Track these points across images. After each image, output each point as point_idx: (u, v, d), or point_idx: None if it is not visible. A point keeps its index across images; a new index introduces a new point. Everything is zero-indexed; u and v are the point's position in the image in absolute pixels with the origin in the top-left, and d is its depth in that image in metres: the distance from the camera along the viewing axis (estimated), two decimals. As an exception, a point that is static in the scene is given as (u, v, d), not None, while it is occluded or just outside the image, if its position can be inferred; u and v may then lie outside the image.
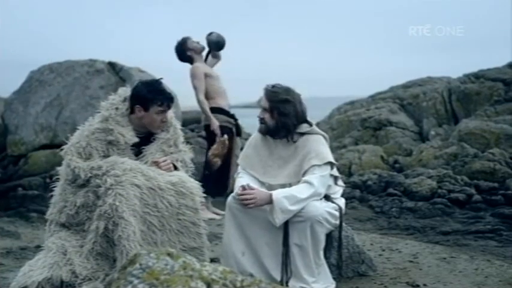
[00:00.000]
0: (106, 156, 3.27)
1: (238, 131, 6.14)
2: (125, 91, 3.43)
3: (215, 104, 5.95)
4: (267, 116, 3.51)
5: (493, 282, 3.57)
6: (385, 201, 6.50)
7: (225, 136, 5.74)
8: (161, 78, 3.51)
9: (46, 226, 3.40)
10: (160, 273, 1.63)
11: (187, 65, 6.09)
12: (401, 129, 9.77)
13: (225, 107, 6.00)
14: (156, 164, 3.29)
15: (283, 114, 3.47)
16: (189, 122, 9.58)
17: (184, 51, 6.02)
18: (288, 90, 3.51)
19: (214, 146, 5.70)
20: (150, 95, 3.33)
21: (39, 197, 7.20)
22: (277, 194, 3.30)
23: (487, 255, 4.28)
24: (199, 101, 5.92)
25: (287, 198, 3.28)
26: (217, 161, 5.66)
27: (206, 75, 5.93)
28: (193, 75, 5.93)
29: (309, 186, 3.35)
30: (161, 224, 3.15)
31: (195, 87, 5.93)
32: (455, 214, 5.92)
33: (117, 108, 3.36)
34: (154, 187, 3.14)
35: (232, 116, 6.04)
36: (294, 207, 3.29)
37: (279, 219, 3.30)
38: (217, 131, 5.82)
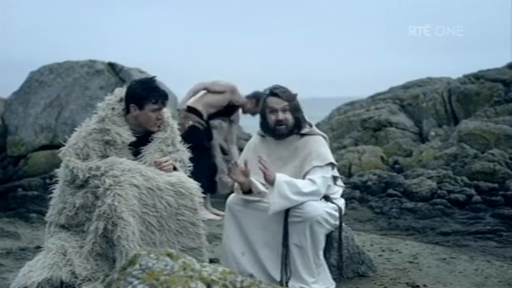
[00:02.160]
0: (104, 156, 3.27)
1: (210, 135, 6.23)
2: (121, 91, 3.44)
3: (193, 104, 6.07)
4: (287, 116, 3.51)
5: (492, 283, 3.57)
6: (385, 201, 6.50)
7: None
8: (154, 77, 3.51)
9: (46, 228, 3.40)
10: (160, 274, 1.63)
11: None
12: (401, 129, 9.76)
13: (202, 111, 6.06)
14: (156, 164, 3.29)
15: (299, 110, 3.55)
16: (188, 122, 9.57)
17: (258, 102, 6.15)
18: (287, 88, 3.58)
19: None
20: (144, 93, 3.34)
21: (39, 197, 7.20)
22: (280, 177, 3.30)
23: (487, 256, 4.28)
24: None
25: (288, 184, 3.28)
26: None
27: (207, 90, 6.10)
28: (194, 87, 6.11)
29: (312, 184, 3.36)
30: (160, 224, 3.15)
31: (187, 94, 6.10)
32: (455, 215, 5.92)
33: (113, 109, 3.36)
34: (153, 187, 3.15)
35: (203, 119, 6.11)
36: (293, 197, 3.28)
37: (275, 203, 3.27)
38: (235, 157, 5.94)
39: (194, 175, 5.77)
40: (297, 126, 3.55)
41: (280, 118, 3.50)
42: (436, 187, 6.56)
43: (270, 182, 3.31)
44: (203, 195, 3.38)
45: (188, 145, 5.64)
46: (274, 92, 3.52)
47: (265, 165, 3.30)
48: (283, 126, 3.52)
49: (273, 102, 3.51)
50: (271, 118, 3.52)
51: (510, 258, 4.24)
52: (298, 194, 3.30)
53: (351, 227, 4.12)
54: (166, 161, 3.32)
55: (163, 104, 3.39)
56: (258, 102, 5.90)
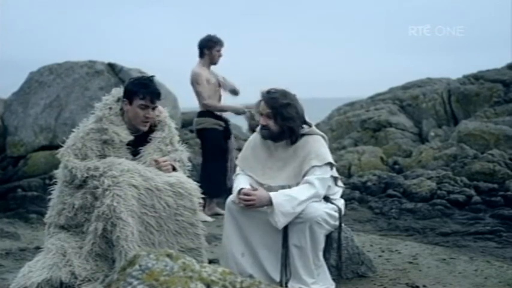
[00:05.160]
0: (102, 156, 3.27)
1: (228, 133, 6.19)
2: (118, 91, 3.44)
3: (203, 108, 6.05)
4: (270, 122, 3.50)
5: (492, 284, 3.57)
6: (385, 202, 6.50)
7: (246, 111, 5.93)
8: (153, 76, 3.51)
9: (45, 229, 3.40)
10: (159, 274, 1.63)
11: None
12: (401, 130, 9.77)
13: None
14: (156, 162, 3.29)
15: (287, 118, 3.47)
16: (188, 123, 9.58)
17: (204, 48, 6.06)
18: (285, 94, 3.52)
19: (256, 118, 5.96)
20: (135, 88, 3.34)
21: (39, 198, 7.19)
22: (276, 198, 3.30)
23: (487, 256, 4.28)
24: (206, 105, 6.03)
25: (288, 201, 3.29)
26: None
27: (206, 81, 6.00)
28: (195, 82, 5.99)
29: (310, 187, 3.36)
30: (159, 225, 3.15)
31: (198, 93, 6.00)
32: (455, 215, 5.92)
33: (110, 108, 3.36)
34: (151, 188, 3.14)
35: (221, 119, 6.08)
36: (296, 209, 3.30)
37: (281, 222, 3.31)
38: (242, 109, 5.98)
39: (202, 175, 5.82)
40: (286, 135, 3.51)
41: (263, 123, 3.52)
42: (436, 187, 6.56)
43: (267, 204, 3.33)
44: (203, 195, 3.37)
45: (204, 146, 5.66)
46: (262, 95, 3.54)
47: (249, 200, 3.33)
48: (267, 131, 3.53)
49: (260, 106, 3.55)
50: (260, 121, 3.57)
51: (510, 259, 4.24)
52: (299, 205, 3.31)
53: (350, 228, 4.12)
54: (165, 161, 3.32)
55: (151, 102, 3.37)
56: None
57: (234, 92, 6.23)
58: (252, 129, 5.88)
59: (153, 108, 3.39)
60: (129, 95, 3.35)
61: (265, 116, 3.51)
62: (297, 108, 3.51)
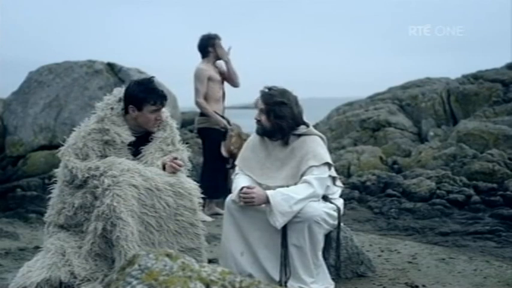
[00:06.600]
0: (103, 156, 3.27)
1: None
2: (120, 91, 3.44)
3: (195, 104, 6.06)
4: (263, 118, 3.52)
5: (491, 283, 3.57)
6: (384, 202, 6.50)
7: (230, 127, 5.92)
8: (153, 77, 3.51)
9: (45, 228, 3.40)
10: (159, 274, 1.63)
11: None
12: (400, 130, 9.77)
13: (218, 111, 6.04)
14: (173, 161, 3.28)
15: (279, 117, 3.48)
16: (188, 122, 9.59)
17: (207, 46, 6.07)
18: (284, 93, 3.52)
19: (232, 140, 5.85)
20: (142, 95, 3.34)
21: (38, 197, 7.20)
22: (274, 197, 3.31)
23: (486, 256, 4.28)
24: (198, 103, 6.02)
25: (285, 200, 3.29)
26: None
27: (209, 79, 5.99)
28: (196, 77, 6.00)
29: (308, 186, 3.36)
30: (159, 225, 3.15)
31: (196, 90, 5.99)
32: (454, 215, 5.93)
33: (112, 108, 3.36)
34: (151, 187, 3.15)
35: (222, 119, 6.08)
36: (293, 209, 3.30)
37: (279, 222, 3.31)
38: (227, 126, 5.97)
39: (202, 176, 5.82)
40: (277, 134, 3.52)
41: (256, 118, 3.55)
42: (435, 187, 6.56)
43: (263, 202, 3.35)
44: (202, 195, 3.37)
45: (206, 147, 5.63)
46: (261, 91, 3.56)
47: (247, 198, 3.36)
48: (259, 126, 3.55)
49: (258, 101, 3.57)
50: (255, 116, 3.59)
51: (509, 259, 4.25)
52: (296, 204, 3.31)
53: (350, 227, 4.12)
54: (180, 165, 3.31)
55: (162, 105, 3.40)
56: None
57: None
58: (228, 150, 5.88)
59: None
60: (138, 102, 3.33)
61: (259, 111, 3.54)
62: (292, 108, 3.50)
